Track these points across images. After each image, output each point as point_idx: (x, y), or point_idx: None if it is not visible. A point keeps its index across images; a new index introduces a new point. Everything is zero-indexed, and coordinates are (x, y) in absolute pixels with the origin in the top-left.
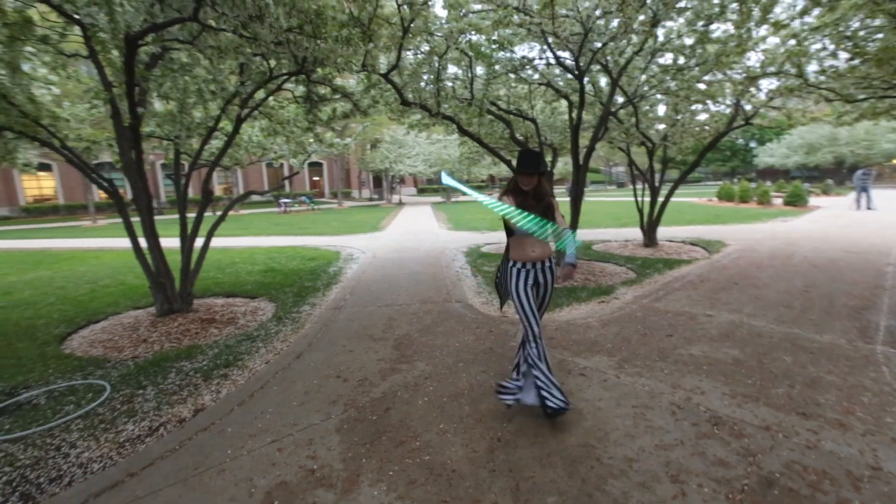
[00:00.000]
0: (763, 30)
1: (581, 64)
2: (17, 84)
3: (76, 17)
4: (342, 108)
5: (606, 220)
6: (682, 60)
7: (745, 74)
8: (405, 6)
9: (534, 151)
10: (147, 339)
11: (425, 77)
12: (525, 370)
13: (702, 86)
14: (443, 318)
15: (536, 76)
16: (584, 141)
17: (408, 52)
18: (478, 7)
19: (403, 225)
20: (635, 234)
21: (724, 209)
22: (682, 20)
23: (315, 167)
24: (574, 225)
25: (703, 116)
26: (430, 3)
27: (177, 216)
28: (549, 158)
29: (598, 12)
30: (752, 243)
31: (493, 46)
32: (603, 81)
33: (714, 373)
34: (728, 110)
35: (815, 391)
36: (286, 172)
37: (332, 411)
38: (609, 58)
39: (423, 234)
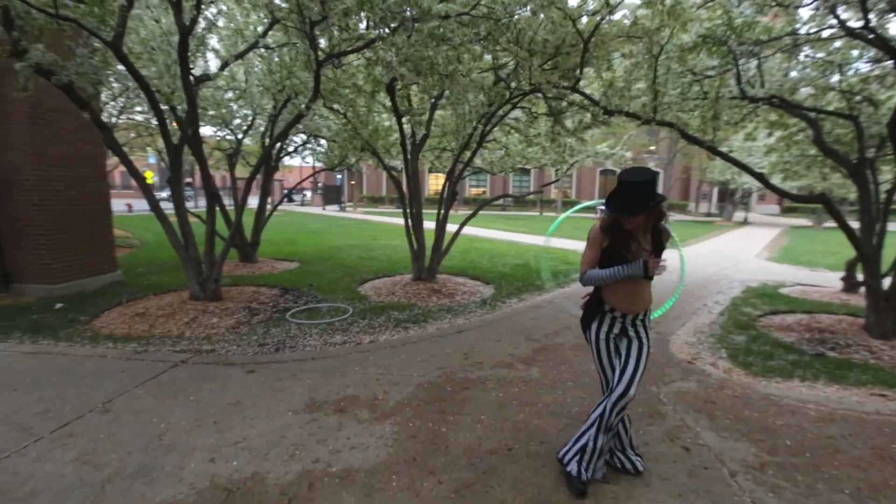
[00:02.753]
0: None
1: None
2: (370, 121)
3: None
4: (585, 120)
5: None
6: None
7: None
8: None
9: (639, 181)
10: (395, 292)
11: (639, 84)
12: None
13: None
14: None
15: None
16: None
17: (621, 59)
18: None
19: (708, 246)
20: None
21: None
22: None
23: None
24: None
25: None
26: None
27: (514, 213)
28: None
29: None
30: None
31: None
32: None
33: None
34: None
35: None
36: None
37: (431, 373)
38: None
39: (719, 259)
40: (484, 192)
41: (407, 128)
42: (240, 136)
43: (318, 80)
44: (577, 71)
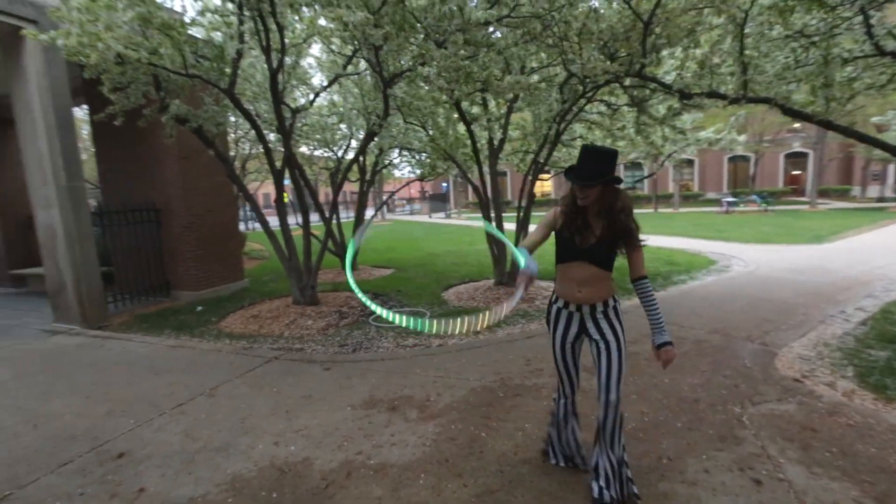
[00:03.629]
0: None
1: None
2: (448, 132)
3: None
4: (674, 106)
5: None
6: None
7: None
8: None
9: (599, 150)
10: (475, 297)
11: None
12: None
13: None
14: (702, 353)
15: None
16: None
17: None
18: None
19: (868, 239)
20: None
21: None
22: None
23: (796, 158)
24: None
25: None
26: None
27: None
28: None
29: None
30: None
31: None
32: None
33: None
34: None
35: None
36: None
37: (487, 378)
38: None
39: (879, 255)
40: None
41: (486, 133)
42: (340, 154)
43: (387, 99)
44: (642, 56)
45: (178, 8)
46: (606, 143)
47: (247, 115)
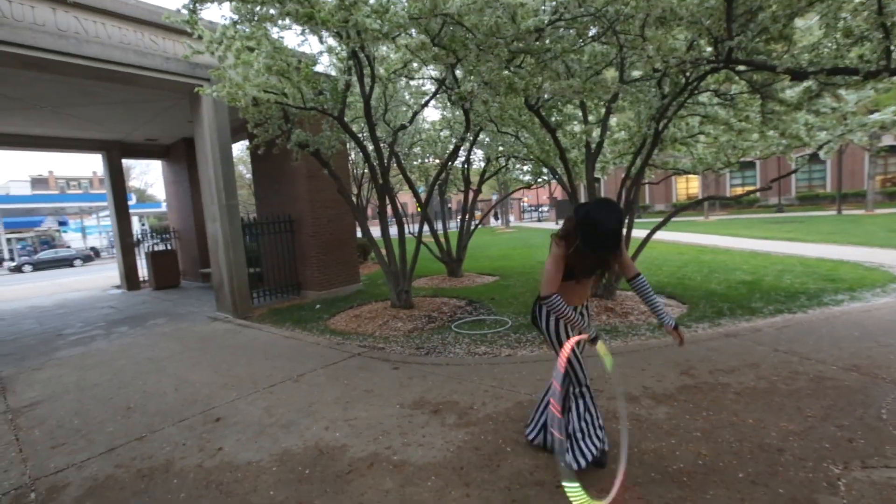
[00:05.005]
0: None
1: None
2: (545, 140)
3: None
4: (811, 87)
5: None
6: None
7: None
8: None
9: (613, 224)
10: None
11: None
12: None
13: None
14: (818, 394)
15: None
16: None
17: None
18: None
19: None
20: None
21: None
22: None
23: None
24: None
25: None
26: None
27: (798, 214)
28: None
29: None
30: None
31: None
32: None
33: None
34: None
35: None
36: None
37: (538, 393)
38: None
39: None
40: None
41: (583, 137)
42: (449, 164)
43: (467, 114)
44: (728, 37)
45: (306, 50)
46: (731, 139)
47: (353, 136)
